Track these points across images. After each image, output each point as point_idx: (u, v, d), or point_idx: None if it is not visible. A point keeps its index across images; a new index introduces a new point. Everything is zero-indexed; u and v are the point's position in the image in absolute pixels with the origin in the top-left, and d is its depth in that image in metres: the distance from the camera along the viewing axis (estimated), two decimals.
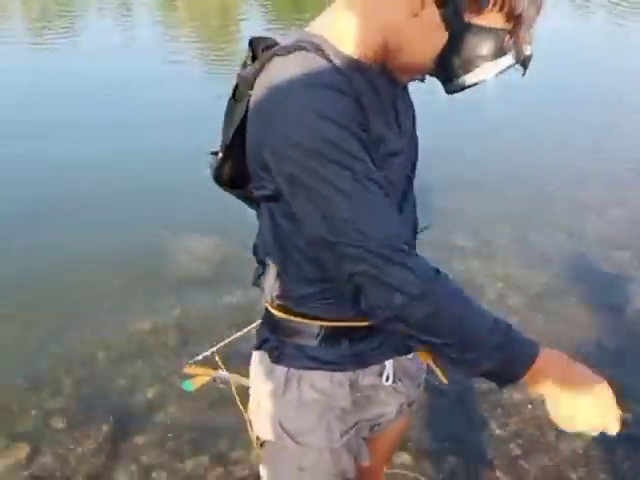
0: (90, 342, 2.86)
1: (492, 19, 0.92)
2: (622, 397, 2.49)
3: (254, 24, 9.24)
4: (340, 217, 0.88)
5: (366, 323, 1.07)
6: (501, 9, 0.91)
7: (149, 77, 6.53)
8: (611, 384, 0.94)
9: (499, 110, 5.55)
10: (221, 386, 2.48)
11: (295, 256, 1.04)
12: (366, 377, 1.18)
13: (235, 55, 7.56)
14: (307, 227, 0.94)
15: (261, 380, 1.20)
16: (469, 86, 0.98)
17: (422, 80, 1.08)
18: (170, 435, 2.36)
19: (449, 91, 1.01)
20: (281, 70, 0.92)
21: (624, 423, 0.96)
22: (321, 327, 1.11)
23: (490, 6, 0.91)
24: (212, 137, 1.13)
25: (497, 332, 0.91)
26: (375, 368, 1.19)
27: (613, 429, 0.94)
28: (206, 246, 3.53)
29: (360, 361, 1.15)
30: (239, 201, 1.17)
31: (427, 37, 0.94)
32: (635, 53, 7.58)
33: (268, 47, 1.00)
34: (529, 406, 2.49)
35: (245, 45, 1.02)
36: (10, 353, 2.79)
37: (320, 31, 0.97)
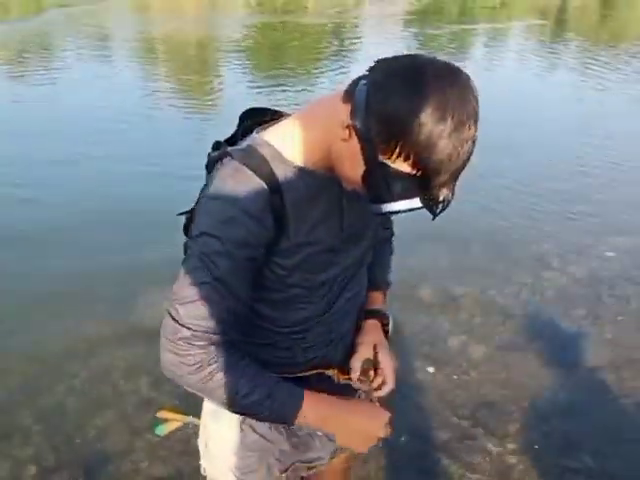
0: (60, 390, 2.91)
1: (400, 164, 0.99)
2: (572, 447, 2.61)
3: (233, 79, 9.47)
4: (180, 295, 1.11)
5: (301, 374, 1.26)
6: (406, 159, 0.98)
7: (125, 131, 6.67)
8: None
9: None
10: (192, 432, 2.57)
11: None
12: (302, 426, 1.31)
13: (212, 111, 7.80)
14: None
15: (209, 421, 1.37)
16: (380, 214, 1.06)
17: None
18: None
19: (372, 211, 1.07)
20: (221, 177, 1.11)
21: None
22: None
23: (394, 156, 0.98)
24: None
25: (259, 389, 1.13)
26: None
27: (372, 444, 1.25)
28: None
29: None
30: None
31: (353, 160, 1.04)
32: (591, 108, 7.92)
33: (253, 124, 1.20)
34: (487, 459, 2.60)
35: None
36: None
37: (273, 139, 1.13)
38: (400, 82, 0.97)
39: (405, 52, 1.05)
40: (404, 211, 1.03)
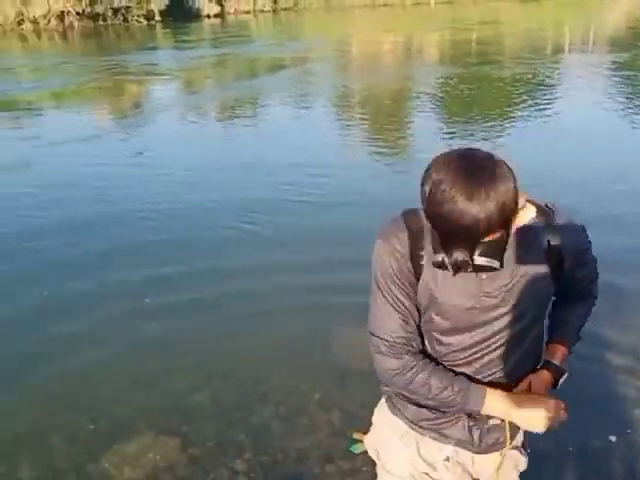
0: (268, 414, 3.36)
1: None
2: None
3: (425, 130, 9.82)
4: (372, 313, 1.52)
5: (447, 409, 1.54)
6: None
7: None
8: None
9: None
10: None
11: None
12: (430, 447, 1.64)
13: (402, 163, 8.21)
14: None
15: (376, 415, 1.79)
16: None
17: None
18: None
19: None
20: (384, 222, 1.52)
21: None
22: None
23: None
24: None
25: (450, 387, 1.47)
26: (440, 445, 1.63)
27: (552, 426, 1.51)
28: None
29: (428, 431, 1.62)
30: None
31: None
32: None
33: None
34: None
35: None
36: None
37: None
38: (433, 166, 1.30)
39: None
40: (440, 263, 1.34)
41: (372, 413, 3.23)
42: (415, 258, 1.45)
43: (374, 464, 2.84)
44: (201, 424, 3.31)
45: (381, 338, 1.48)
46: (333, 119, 11.33)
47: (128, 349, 4.00)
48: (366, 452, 2.82)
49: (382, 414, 1.74)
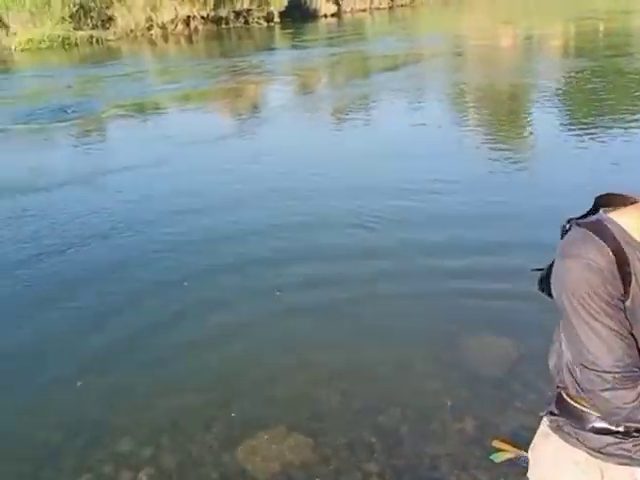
0: (395, 416, 3.33)
1: None
2: None
3: (547, 127, 9.38)
4: (583, 346, 1.36)
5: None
6: None
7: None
8: None
9: None
10: (523, 465, 2.78)
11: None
12: (616, 473, 1.50)
13: (525, 160, 7.90)
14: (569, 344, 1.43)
15: (541, 446, 1.63)
16: None
17: None
18: None
19: None
20: (569, 240, 1.40)
21: None
22: (596, 417, 1.46)
23: None
24: None
25: None
26: (630, 469, 1.49)
27: None
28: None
29: (614, 457, 1.48)
30: None
31: None
32: None
33: (600, 205, 1.43)
34: None
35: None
36: None
37: (619, 218, 1.37)
38: None
39: None
40: None
41: (506, 421, 3.17)
42: (623, 274, 1.33)
43: (515, 475, 2.77)
44: (330, 423, 3.34)
45: (607, 372, 1.34)
46: (455, 116, 11.10)
47: (264, 345, 4.12)
48: (507, 461, 2.75)
49: (549, 444, 1.59)
